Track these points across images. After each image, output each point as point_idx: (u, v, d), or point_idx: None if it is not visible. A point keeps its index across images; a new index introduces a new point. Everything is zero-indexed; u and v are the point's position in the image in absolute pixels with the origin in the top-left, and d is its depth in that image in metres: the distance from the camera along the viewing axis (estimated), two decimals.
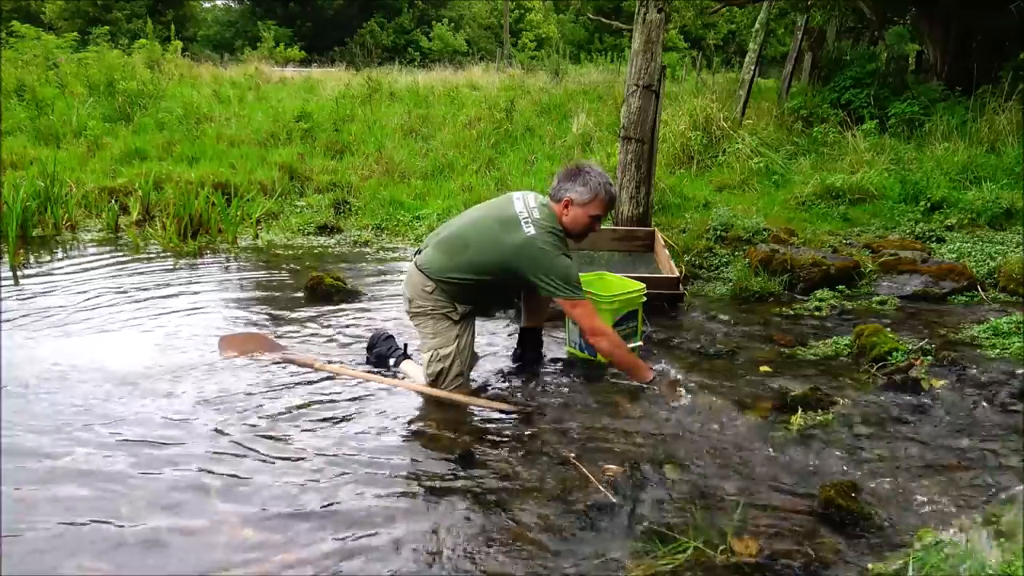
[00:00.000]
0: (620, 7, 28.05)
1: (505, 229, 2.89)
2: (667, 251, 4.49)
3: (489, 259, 2.90)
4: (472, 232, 2.98)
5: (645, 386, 3.01)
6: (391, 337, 3.35)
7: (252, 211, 6.04)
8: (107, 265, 4.87)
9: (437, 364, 3.01)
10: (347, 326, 3.80)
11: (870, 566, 1.91)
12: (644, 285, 3.38)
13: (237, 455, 2.50)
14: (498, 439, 2.65)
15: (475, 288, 2.97)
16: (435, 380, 3.01)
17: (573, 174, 2.98)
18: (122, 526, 2.10)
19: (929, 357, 3.14)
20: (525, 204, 2.96)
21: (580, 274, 3.44)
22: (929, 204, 5.81)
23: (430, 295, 3.01)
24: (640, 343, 3.40)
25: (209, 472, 2.39)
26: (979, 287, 4.20)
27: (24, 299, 4.10)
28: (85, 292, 4.24)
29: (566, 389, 3.10)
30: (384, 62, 23.28)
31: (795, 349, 3.47)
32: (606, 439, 2.63)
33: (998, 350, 3.30)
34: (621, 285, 3.44)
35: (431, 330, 3.03)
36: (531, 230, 2.86)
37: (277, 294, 4.33)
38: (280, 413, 2.82)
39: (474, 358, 3.17)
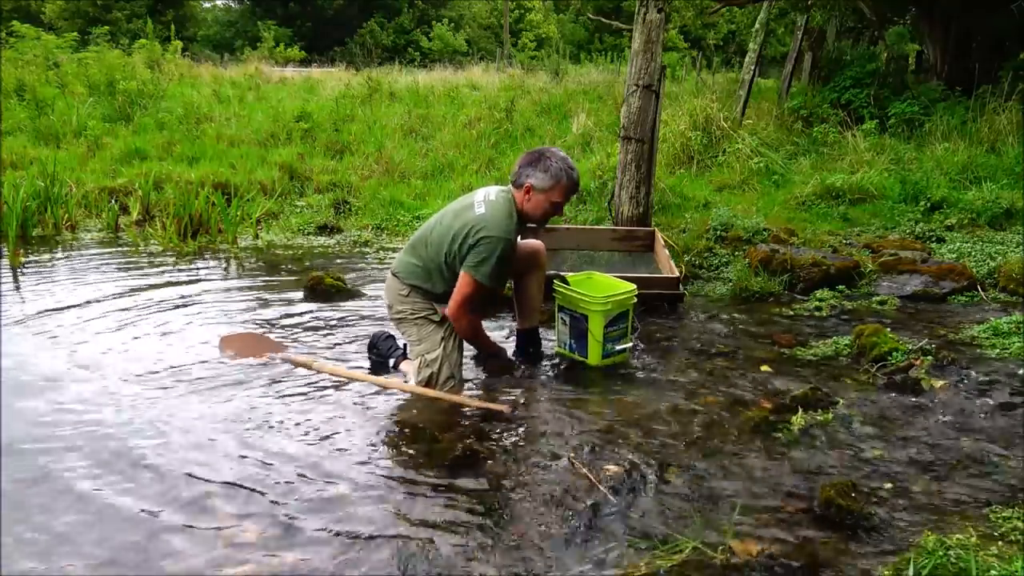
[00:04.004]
0: (620, 7, 28.07)
1: (459, 216, 2.95)
2: (667, 251, 4.49)
3: (445, 249, 2.93)
4: (433, 229, 3.03)
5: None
6: (391, 337, 3.35)
7: (252, 211, 6.04)
8: (107, 265, 4.87)
9: (426, 370, 3.01)
10: (347, 326, 3.80)
11: (874, 572, 1.91)
12: (635, 286, 3.37)
13: (236, 455, 2.50)
14: (497, 440, 2.65)
15: (441, 282, 2.98)
16: (427, 385, 3.01)
17: (534, 160, 2.97)
18: (122, 526, 2.10)
19: (929, 357, 3.14)
20: (485, 193, 3.01)
21: (570, 274, 3.47)
22: (929, 204, 5.81)
23: (406, 298, 3.04)
24: (630, 343, 3.39)
25: (208, 472, 2.39)
26: (979, 287, 4.20)
27: (24, 299, 4.10)
28: (85, 292, 4.23)
29: (565, 389, 3.10)
30: (384, 62, 23.28)
31: (795, 349, 3.47)
32: (606, 439, 2.63)
33: (998, 350, 3.30)
34: (610, 285, 3.43)
35: (416, 336, 3.05)
36: (481, 210, 2.90)
37: (277, 294, 4.33)
38: (279, 413, 2.82)
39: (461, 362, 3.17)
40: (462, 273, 2.89)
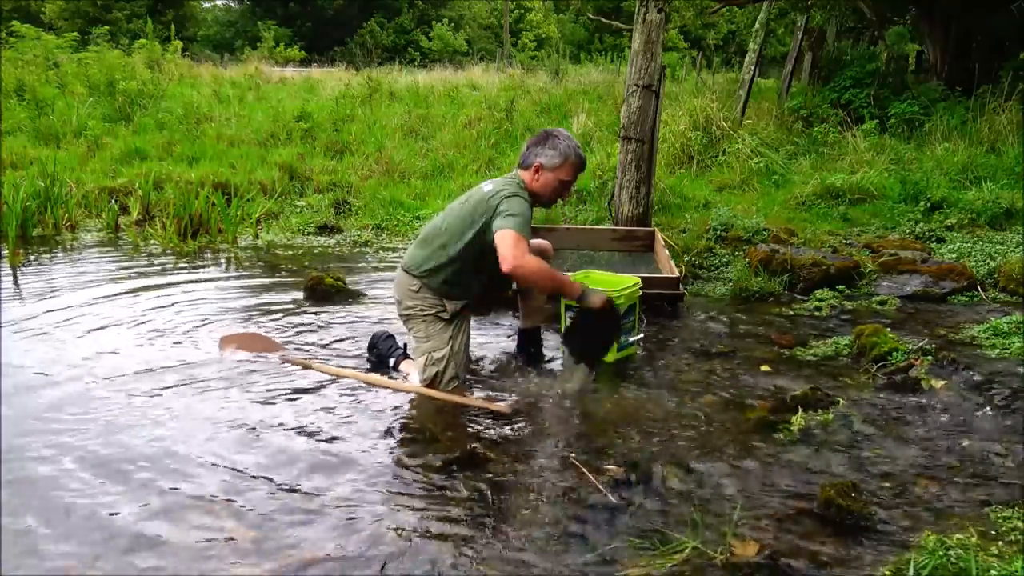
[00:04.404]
0: (620, 7, 28.07)
1: (469, 199, 2.98)
2: (667, 251, 4.49)
3: (459, 232, 2.93)
4: (443, 220, 3.04)
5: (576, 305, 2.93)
6: (391, 337, 3.35)
7: (252, 211, 6.04)
8: (107, 265, 4.87)
9: (432, 368, 3.01)
10: (346, 326, 3.80)
11: (874, 572, 1.91)
12: (639, 279, 3.41)
13: (236, 455, 2.50)
14: (497, 440, 2.65)
15: (456, 272, 2.97)
16: (431, 383, 3.01)
17: (542, 139, 3.02)
18: (121, 526, 2.10)
19: (929, 357, 3.14)
20: (493, 181, 3.05)
21: (568, 273, 3.47)
22: (929, 204, 5.81)
23: (417, 294, 3.03)
24: (641, 335, 3.42)
25: (208, 472, 2.39)
26: (979, 287, 4.20)
27: (24, 299, 4.10)
28: (84, 292, 4.24)
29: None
30: (384, 62, 23.29)
31: (795, 349, 3.47)
32: (606, 439, 2.63)
33: (998, 350, 3.30)
34: (609, 281, 3.45)
35: (423, 333, 3.04)
36: (489, 187, 2.95)
37: (277, 294, 4.33)
38: (278, 413, 2.82)
39: (469, 360, 3.16)
40: (496, 234, 2.75)
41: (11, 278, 4.52)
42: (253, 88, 13.16)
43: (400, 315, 3.14)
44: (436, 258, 2.98)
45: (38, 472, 2.36)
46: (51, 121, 8.67)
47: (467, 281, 3.04)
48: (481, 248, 2.89)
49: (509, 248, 2.71)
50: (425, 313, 3.04)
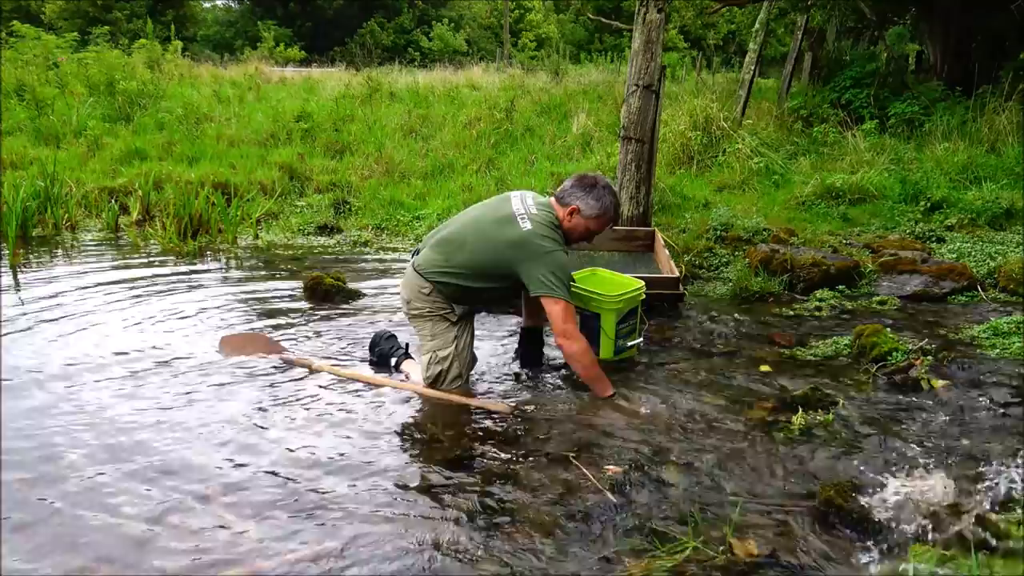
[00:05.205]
0: (620, 7, 28.04)
1: (501, 226, 2.90)
2: (667, 251, 4.49)
3: (486, 257, 2.90)
4: (469, 231, 2.99)
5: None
6: (393, 336, 3.35)
7: (252, 211, 6.04)
8: (107, 265, 4.87)
9: (436, 366, 3.01)
10: (347, 326, 3.80)
11: (874, 572, 1.91)
12: (643, 283, 3.40)
13: (236, 455, 2.50)
14: (498, 439, 2.65)
15: (473, 288, 2.97)
16: (434, 382, 3.01)
17: (588, 185, 2.98)
18: (122, 527, 2.10)
19: (929, 357, 3.14)
20: (523, 202, 2.98)
21: (574, 272, 3.47)
22: (929, 204, 5.81)
23: (427, 296, 3.02)
24: (640, 339, 3.42)
25: (208, 472, 2.39)
26: (979, 287, 4.20)
27: (24, 299, 4.10)
28: (85, 292, 4.24)
29: (566, 389, 3.10)
30: (384, 62, 23.26)
31: (795, 349, 3.47)
32: (606, 439, 2.63)
33: (998, 350, 3.30)
34: (614, 282, 3.45)
35: (429, 332, 3.04)
36: (528, 225, 2.88)
37: (277, 294, 4.33)
38: (279, 414, 2.82)
39: (473, 359, 3.17)
40: (548, 301, 2.83)
41: (11, 278, 4.52)
42: (253, 88, 13.14)
43: (406, 313, 3.13)
44: (453, 270, 2.95)
45: (37, 473, 2.37)
46: (51, 121, 8.67)
47: (482, 297, 3.06)
48: (503, 280, 2.93)
49: (562, 322, 2.85)
50: (433, 314, 3.04)
